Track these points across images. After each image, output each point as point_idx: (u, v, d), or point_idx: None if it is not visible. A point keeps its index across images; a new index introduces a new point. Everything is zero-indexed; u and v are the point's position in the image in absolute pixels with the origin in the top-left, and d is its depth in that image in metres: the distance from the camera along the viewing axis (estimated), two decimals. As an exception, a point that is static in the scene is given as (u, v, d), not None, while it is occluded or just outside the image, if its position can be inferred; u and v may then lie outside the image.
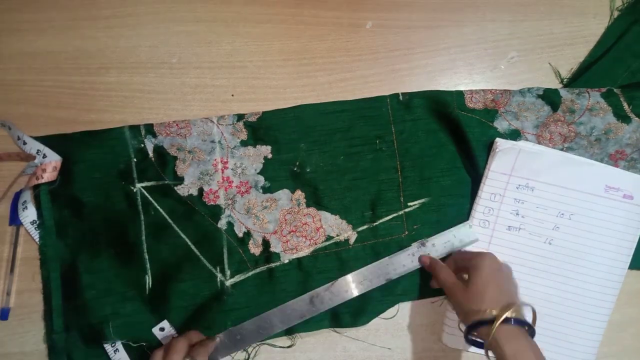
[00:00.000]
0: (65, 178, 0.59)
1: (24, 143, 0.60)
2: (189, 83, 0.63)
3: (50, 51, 0.63)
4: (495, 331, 0.49)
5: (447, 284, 0.55)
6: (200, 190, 0.60)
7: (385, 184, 0.61)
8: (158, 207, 0.60)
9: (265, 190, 0.61)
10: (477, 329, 0.51)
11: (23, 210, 0.59)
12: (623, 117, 0.61)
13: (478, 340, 0.52)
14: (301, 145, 0.61)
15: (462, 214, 0.61)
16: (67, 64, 0.63)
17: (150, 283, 0.59)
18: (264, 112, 0.62)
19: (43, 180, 0.58)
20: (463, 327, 0.53)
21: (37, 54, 0.63)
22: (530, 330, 0.51)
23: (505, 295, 0.52)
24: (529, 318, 0.52)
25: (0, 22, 0.63)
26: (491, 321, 0.49)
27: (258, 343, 0.59)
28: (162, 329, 0.58)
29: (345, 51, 0.64)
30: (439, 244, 0.60)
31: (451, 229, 0.60)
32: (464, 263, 0.57)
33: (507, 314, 0.49)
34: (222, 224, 0.60)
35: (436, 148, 0.62)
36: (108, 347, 0.57)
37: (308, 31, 0.65)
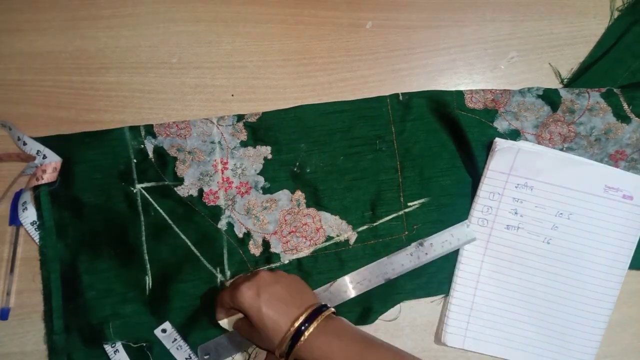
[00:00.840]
0: (66, 179, 0.59)
1: (24, 144, 0.60)
2: (189, 83, 0.63)
3: (50, 51, 0.63)
4: (300, 347, 0.48)
5: (249, 336, 0.54)
6: (200, 191, 0.60)
7: (385, 184, 0.62)
8: (158, 208, 0.60)
9: (265, 190, 0.61)
10: (294, 356, 0.49)
11: (23, 211, 0.59)
12: (623, 117, 0.61)
13: None
14: (301, 145, 0.61)
15: (463, 214, 0.61)
16: (67, 64, 0.63)
17: (151, 284, 0.59)
18: (263, 113, 0.62)
19: (43, 181, 0.58)
20: None
21: (37, 54, 0.63)
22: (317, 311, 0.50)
23: (282, 313, 0.50)
24: None
25: (0, 22, 0.63)
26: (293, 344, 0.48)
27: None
28: (164, 331, 0.58)
29: (345, 51, 0.64)
30: (437, 244, 0.60)
31: (449, 229, 0.60)
32: (234, 306, 0.53)
33: (298, 323, 0.48)
34: (222, 224, 0.60)
35: (436, 148, 0.62)
36: (108, 347, 0.57)
37: (308, 31, 0.65)
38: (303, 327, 0.48)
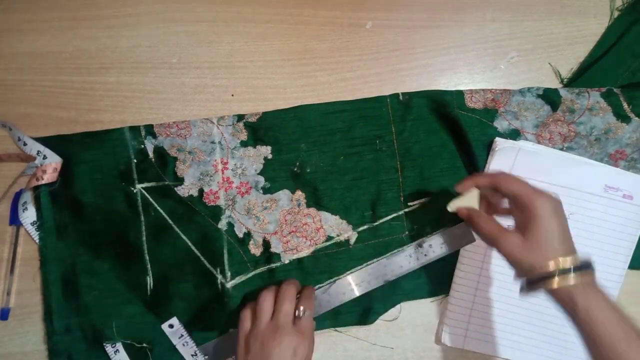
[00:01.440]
0: (66, 179, 0.59)
1: (25, 144, 0.60)
2: (189, 83, 0.63)
3: (50, 51, 0.63)
4: (561, 283, 0.45)
5: (493, 235, 0.49)
6: (201, 191, 0.60)
7: (385, 184, 0.62)
8: (158, 208, 0.60)
9: (266, 190, 0.61)
10: (539, 283, 0.47)
11: (23, 212, 0.59)
12: (623, 117, 0.61)
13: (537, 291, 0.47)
14: (301, 145, 0.61)
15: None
16: (67, 64, 0.63)
17: (151, 284, 0.59)
18: (264, 113, 0.62)
19: (43, 182, 0.58)
20: (518, 279, 0.49)
21: (37, 54, 0.63)
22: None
23: (567, 241, 0.48)
24: None
25: (0, 22, 0.63)
26: (554, 274, 0.45)
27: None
28: (171, 326, 0.58)
29: (345, 51, 0.64)
30: (436, 245, 0.60)
31: (447, 229, 0.60)
32: (515, 203, 0.50)
33: (572, 263, 0.46)
34: (222, 224, 0.60)
35: (436, 148, 0.62)
36: (109, 347, 0.57)
37: (308, 31, 0.65)
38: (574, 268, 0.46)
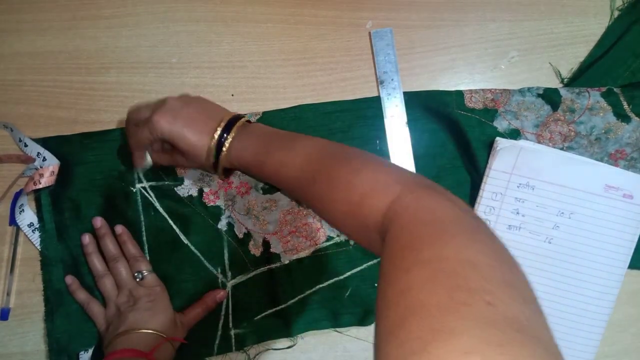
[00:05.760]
0: (66, 179, 0.59)
1: (25, 145, 0.59)
2: (189, 83, 0.63)
3: (50, 51, 0.63)
4: (224, 156, 0.51)
5: (164, 161, 0.57)
6: (200, 191, 0.60)
7: (385, 184, 0.61)
8: (158, 208, 0.60)
9: (265, 191, 0.61)
10: (215, 167, 0.53)
11: (20, 214, 0.59)
12: (623, 117, 0.61)
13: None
14: (301, 145, 0.61)
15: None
16: (67, 64, 0.63)
17: (151, 284, 0.59)
18: (264, 112, 0.62)
19: (40, 186, 0.58)
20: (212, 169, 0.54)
21: (37, 54, 0.63)
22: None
23: (210, 120, 0.52)
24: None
25: (0, 22, 0.63)
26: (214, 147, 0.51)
27: (258, 345, 0.59)
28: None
29: (345, 51, 0.64)
30: None
31: None
32: (154, 138, 0.54)
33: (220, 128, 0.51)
34: (222, 224, 0.60)
35: (436, 147, 0.62)
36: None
37: (308, 31, 0.65)
38: (222, 138, 0.52)
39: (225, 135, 0.52)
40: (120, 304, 0.55)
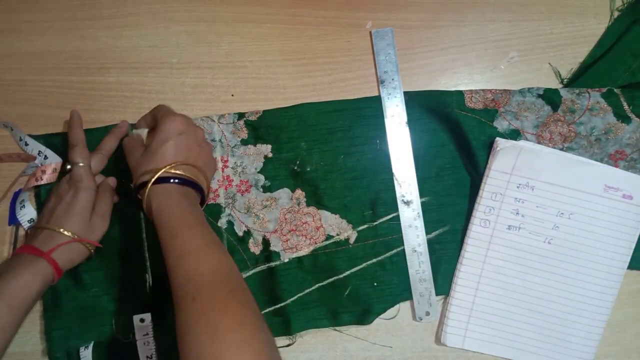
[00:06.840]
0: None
1: (26, 144, 0.60)
2: (189, 83, 0.63)
3: (50, 51, 0.63)
4: (149, 189, 0.50)
5: (125, 143, 0.57)
6: (201, 190, 0.60)
7: (385, 184, 0.61)
8: (158, 207, 0.60)
9: (266, 189, 0.61)
10: (140, 191, 0.52)
11: (20, 209, 0.59)
12: (623, 117, 0.61)
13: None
14: (301, 144, 0.61)
15: (462, 214, 0.61)
16: (67, 64, 0.63)
17: (151, 281, 0.59)
18: (264, 111, 0.62)
19: (42, 182, 0.58)
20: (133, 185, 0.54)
21: (37, 54, 0.63)
22: (196, 188, 0.53)
23: (179, 155, 0.52)
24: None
25: (0, 22, 0.63)
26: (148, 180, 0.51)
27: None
28: (142, 320, 0.57)
29: (345, 51, 0.64)
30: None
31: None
32: (154, 123, 0.56)
33: (166, 170, 0.51)
34: (222, 222, 0.60)
35: (436, 147, 0.62)
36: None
37: (308, 31, 0.65)
38: (172, 180, 0.51)
39: (172, 180, 0.51)
40: (57, 194, 0.56)
